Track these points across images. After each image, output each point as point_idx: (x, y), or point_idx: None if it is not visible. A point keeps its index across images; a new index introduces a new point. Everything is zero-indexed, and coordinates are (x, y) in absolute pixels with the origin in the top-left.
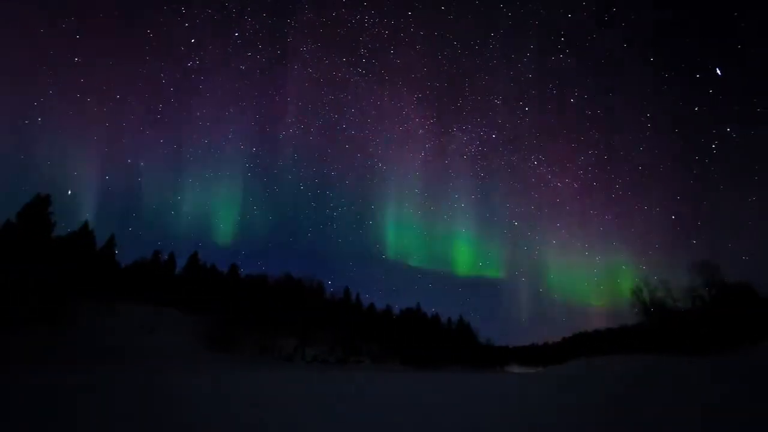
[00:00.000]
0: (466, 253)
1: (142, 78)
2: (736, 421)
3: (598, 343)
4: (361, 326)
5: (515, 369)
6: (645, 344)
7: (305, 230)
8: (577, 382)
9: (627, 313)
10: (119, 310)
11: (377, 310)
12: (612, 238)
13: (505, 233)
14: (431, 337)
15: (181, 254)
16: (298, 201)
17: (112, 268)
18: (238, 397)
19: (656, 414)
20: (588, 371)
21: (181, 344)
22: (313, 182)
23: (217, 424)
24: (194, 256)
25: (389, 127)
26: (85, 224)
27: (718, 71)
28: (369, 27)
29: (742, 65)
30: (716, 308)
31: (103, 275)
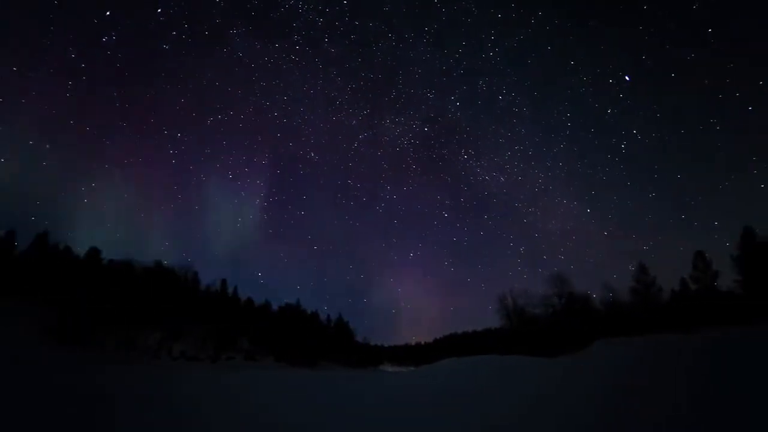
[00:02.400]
0: None
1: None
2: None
3: (467, 344)
4: (236, 321)
5: (388, 368)
6: (507, 346)
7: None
8: (445, 380)
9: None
10: None
11: (255, 305)
12: (536, 231)
13: (436, 224)
14: (308, 335)
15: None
16: (229, 190)
17: None
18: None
19: (500, 406)
20: (453, 369)
21: (19, 339)
22: (243, 171)
23: None
24: (42, 236)
25: (322, 116)
26: None
27: (627, 78)
28: (303, 13)
29: (647, 74)
30: (564, 315)
31: None
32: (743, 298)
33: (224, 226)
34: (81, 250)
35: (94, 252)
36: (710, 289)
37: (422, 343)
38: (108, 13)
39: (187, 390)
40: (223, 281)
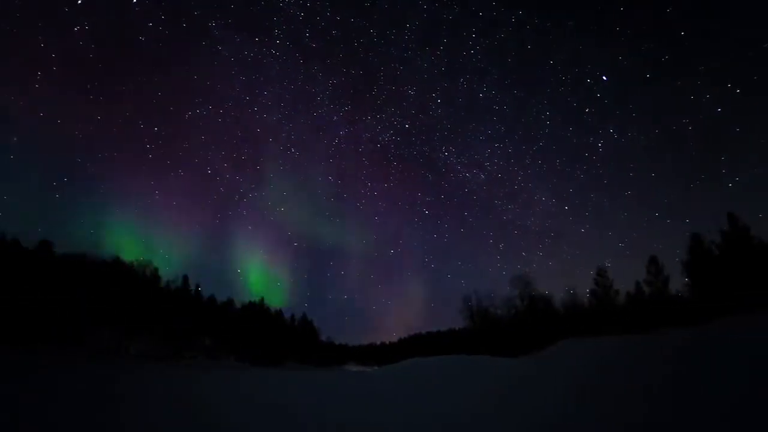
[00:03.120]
0: None
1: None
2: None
3: (432, 344)
4: (198, 319)
5: (353, 367)
6: (471, 346)
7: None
8: (409, 380)
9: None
10: None
11: (218, 303)
12: (515, 228)
13: (416, 221)
14: (272, 334)
15: None
16: (208, 186)
17: None
18: None
19: (463, 405)
20: (418, 369)
21: None
22: (221, 166)
23: None
24: None
25: (303, 112)
26: None
27: (604, 78)
28: (284, 7)
29: (623, 74)
30: (526, 316)
31: None
32: (690, 301)
33: (202, 221)
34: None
35: (44, 244)
36: (662, 292)
37: (387, 342)
38: (80, 1)
39: (140, 390)
40: (185, 277)
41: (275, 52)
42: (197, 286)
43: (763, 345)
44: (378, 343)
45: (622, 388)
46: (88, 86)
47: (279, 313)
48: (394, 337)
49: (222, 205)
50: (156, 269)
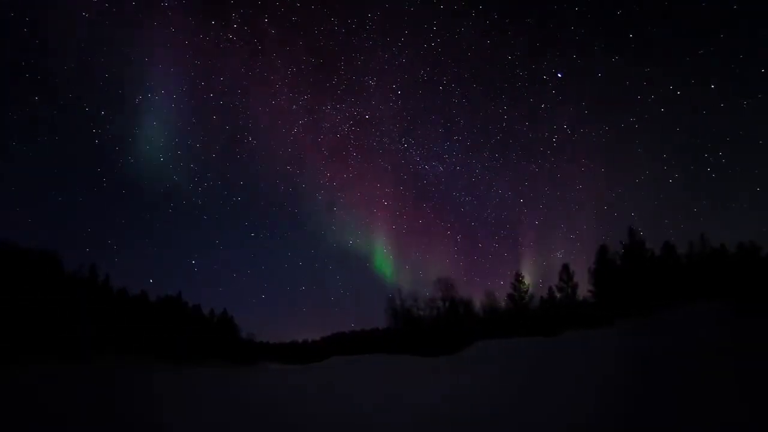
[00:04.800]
0: None
1: None
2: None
3: (355, 343)
4: (106, 313)
5: (275, 365)
6: (393, 345)
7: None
8: (331, 378)
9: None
10: None
11: (129, 296)
12: (472, 220)
13: (375, 212)
14: (188, 329)
15: None
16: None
17: None
18: None
19: (384, 403)
20: (339, 367)
21: None
22: (174, 154)
23: None
24: None
25: (261, 99)
26: None
27: (559, 75)
28: None
29: (577, 73)
30: (448, 317)
31: None
32: (594, 306)
33: (153, 212)
34: None
35: None
36: (570, 297)
37: (309, 340)
38: None
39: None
40: (92, 266)
41: (232, 37)
42: (107, 275)
43: (653, 347)
44: (300, 341)
45: (527, 385)
46: (22, 63)
47: (197, 307)
48: (317, 335)
49: (174, 195)
50: (56, 254)
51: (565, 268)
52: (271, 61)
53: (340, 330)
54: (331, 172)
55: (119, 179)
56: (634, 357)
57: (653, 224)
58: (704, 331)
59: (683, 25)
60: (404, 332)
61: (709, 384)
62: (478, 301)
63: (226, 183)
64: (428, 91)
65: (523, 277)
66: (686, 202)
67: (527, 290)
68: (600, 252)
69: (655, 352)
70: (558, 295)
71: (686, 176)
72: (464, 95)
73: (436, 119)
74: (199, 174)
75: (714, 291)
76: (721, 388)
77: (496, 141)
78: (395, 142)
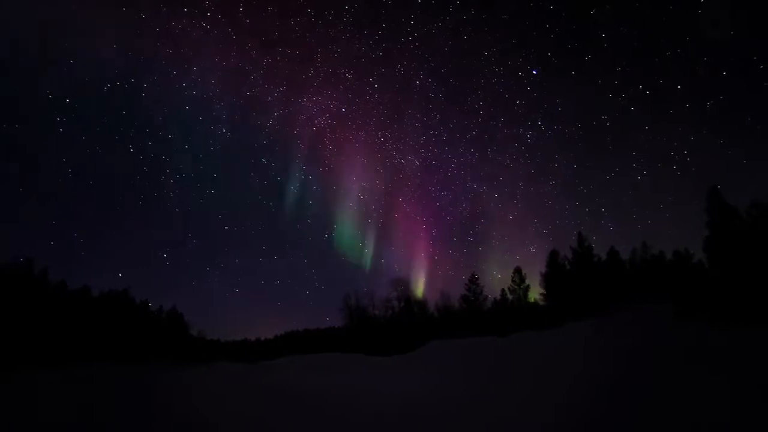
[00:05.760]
0: None
1: None
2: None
3: (309, 342)
4: (43, 310)
5: (226, 364)
6: (347, 344)
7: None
8: (284, 378)
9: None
10: None
11: (69, 290)
12: (447, 215)
13: (351, 206)
14: (135, 327)
15: None
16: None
17: None
18: None
19: (338, 402)
20: (293, 367)
21: None
22: (146, 145)
23: None
24: None
25: (235, 90)
26: None
27: (534, 72)
28: None
29: (552, 70)
30: (402, 317)
31: None
32: (544, 308)
33: (125, 204)
34: None
35: None
36: (522, 299)
37: (262, 339)
38: None
39: None
40: (29, 260)
41: (206, 26)
42: (45, 269)
43: (601, 346)
44: (252, 339)
45: (477, 383)
46: None
47: (144, 303)
48: (270, 334)
49: (147, 187)
50: None
51: (517, 271)
52: (245, 51)
53: (307, 327)
54: (306, 165)
55: (88, 170)
56: (582, 356)
57: (624, 220)
58: (645, 330)
59: (652, 26)
60: (359, 331)
61: (653, 379)
62: (433, 302)
63: (198, 174)
64: (405, 86)
65: (477, 278)
66: (650, 201)
67: (481, 291)
68: (551, 256)
69: (602, 350)
70: (510, 296)
71: (653, 176)
72: (440, 90)
73: (412, 113)
74: (169, 167)
75: (654, 294)
76: (664, 383)
77: (471, 136)
78: (372, 136)
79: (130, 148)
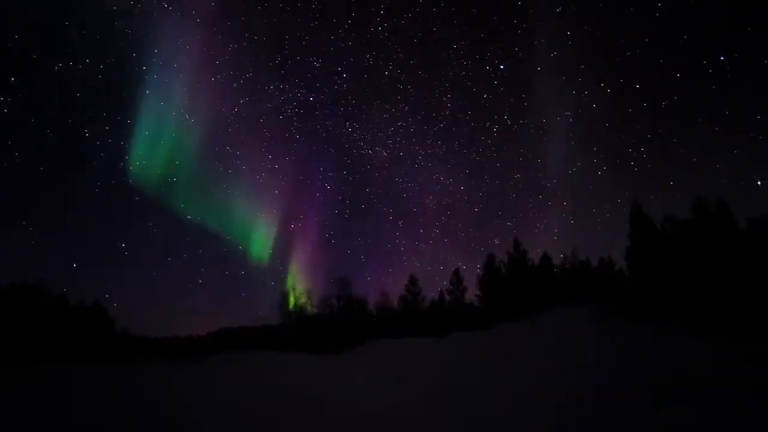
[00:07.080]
0: None
1: None
2: None
3: (244, 339)
4: None
5: (158, 363)
6: (284, 342)
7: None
8: (218, 376)
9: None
10: None
11: None
12: (414, 206)
13: (318, 196)
14: (50, 323)
15: None
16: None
17: None
18: None
19: (274, 401)
20: (228, 365)
21: None
22: (103, 131)
23: None
24: None
25: (198, 76)
26: None
27: (501, 67)
28: None
29: (518, 65)
30: (341, 315)
31: None
32: (478, 310)
33: (85, 195)
34: None
35: None
36: (459, 301)
37: (194, 335)
38: None
39: None
40: None
41: (167, 7)
42: None
43: (532, 346)
44: (183, 335)
45: (412, 384)
46: None
47: (63, 297)
48: (202, 331)
49: (104, 175)
50: None
51: (456, 272)
52: (210, 35)
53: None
54: (272, 154)
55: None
56: (514, 356)
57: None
58: (573, 332)
59: (615, 26)
60: (296, 329)
61: (576, 373)
62: (372, 301)
63: (159, 162)
64: (373, 76)
65: (417, 279)
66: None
67: (419, 292)
68: (488, 260)
69: (533, 350)
70: (448, 297)
71: (612, 171)
72: (409, 81)
73: (381, 104)
74: (129, 154)
75: (581, 298)
76: (589, 375)
77: (439, 129)
78: (339, 126)
79: (85, 132)
